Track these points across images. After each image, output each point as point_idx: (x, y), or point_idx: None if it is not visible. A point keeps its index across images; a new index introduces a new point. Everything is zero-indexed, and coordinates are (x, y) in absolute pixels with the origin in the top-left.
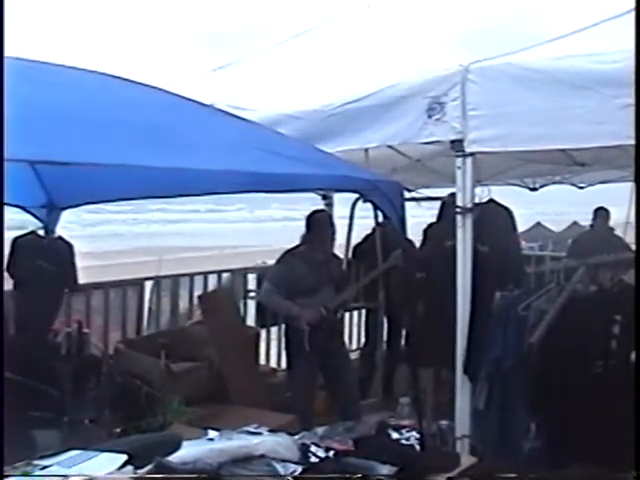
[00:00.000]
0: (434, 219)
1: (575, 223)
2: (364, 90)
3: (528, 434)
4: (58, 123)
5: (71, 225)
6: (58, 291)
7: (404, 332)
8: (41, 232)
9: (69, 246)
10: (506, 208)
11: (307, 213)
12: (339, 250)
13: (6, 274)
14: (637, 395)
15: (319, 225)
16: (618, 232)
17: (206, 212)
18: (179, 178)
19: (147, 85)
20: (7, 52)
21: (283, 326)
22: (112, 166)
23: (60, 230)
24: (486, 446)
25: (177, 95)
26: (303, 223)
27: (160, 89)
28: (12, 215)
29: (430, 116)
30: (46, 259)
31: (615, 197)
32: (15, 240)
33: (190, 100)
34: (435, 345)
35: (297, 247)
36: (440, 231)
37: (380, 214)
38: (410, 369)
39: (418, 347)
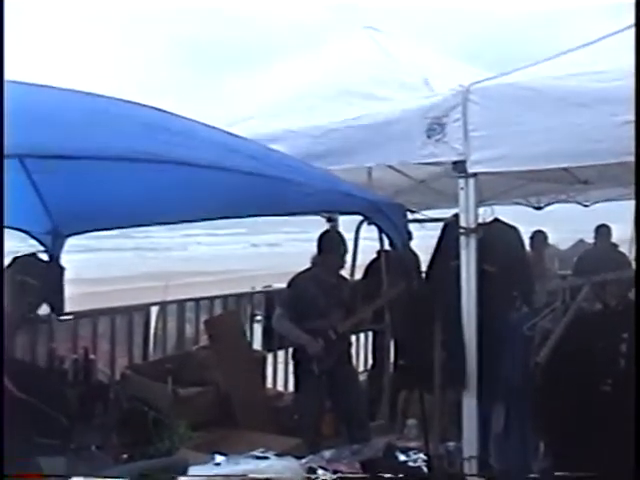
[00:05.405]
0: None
1: (581, 241)
2: (363, 109)
3: (537, 454)
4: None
5: (76, 252)
6: (36, 308)
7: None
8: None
9: (60, 269)
10: (512, 227)
11: (316, 234)
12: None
13: None
14: (637, 408)
15: (331, 246)
16: (623, 249)
17: (210, 237)
18: (182, 203)
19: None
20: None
21: (291, 349)
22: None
23: (64, 256)
24: (496, 466)
25: (159, 109)
26: (307, 246)
27: (148, 106)
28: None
29: (429, 136)
30: (32, 276)
31: (619, 214)
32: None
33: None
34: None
35: (308, 270)
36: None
37: (385, 237)
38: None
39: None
